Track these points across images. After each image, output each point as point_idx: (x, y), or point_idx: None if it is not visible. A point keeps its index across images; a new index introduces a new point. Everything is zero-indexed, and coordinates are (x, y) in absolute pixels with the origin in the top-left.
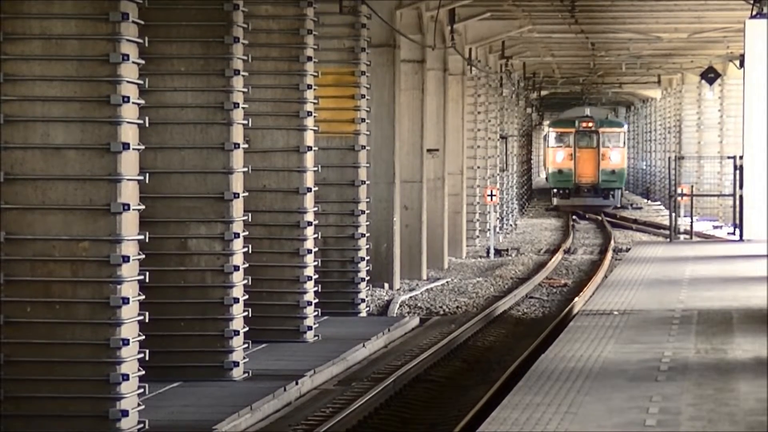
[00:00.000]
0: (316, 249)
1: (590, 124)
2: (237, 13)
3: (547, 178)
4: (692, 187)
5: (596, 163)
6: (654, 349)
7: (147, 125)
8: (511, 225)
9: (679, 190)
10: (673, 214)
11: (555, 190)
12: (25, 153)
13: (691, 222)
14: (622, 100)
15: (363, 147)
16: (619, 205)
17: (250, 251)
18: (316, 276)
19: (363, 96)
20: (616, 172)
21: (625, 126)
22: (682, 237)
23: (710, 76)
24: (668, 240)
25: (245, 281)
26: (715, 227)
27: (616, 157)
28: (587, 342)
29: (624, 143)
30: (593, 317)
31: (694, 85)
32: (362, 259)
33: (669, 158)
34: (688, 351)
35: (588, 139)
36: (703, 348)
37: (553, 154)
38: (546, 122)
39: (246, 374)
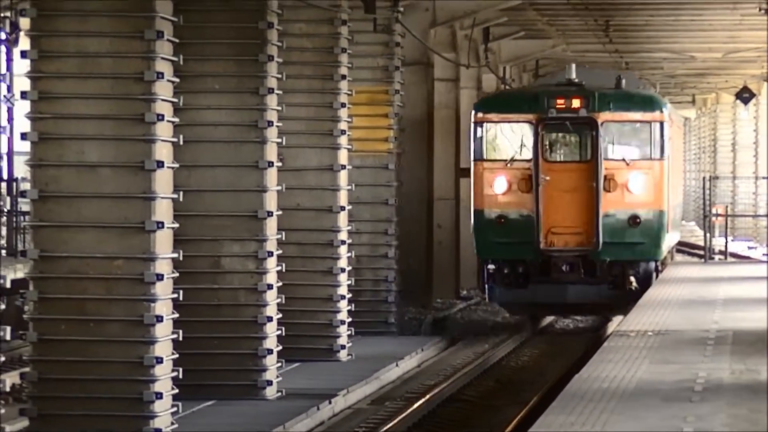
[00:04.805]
0: (350, 268)
1: (578, 104)
2: (271, 32)
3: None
4: (727, 207)
5: (590, 198)
6: (688, 369)
7: (181, 143)
8: None
9: (713, 211)
10: (708, 235)
11: (491, 267)
12: (60, 170)
13: (726, 242)
14: None
15: (396, 166)
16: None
17: (283, 270)
18: (350, 295)
19: (397, 114)
20: (643, 220)
21: (666, 109)
22: (716, 257)
23: (745, 95)
24: (703, 260)
25: (279, 300)
26: (750, 248)
27: (639, 183)
28: (621, 362)
29: (663, 148)
30: (627, 337)
31: (728, 104)
32: (395, 277)
33: (703, 178)
34: (723, 371)
35: (571, 140)
36: (738, 369)
37: (486, 179)
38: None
39: (279, 393)
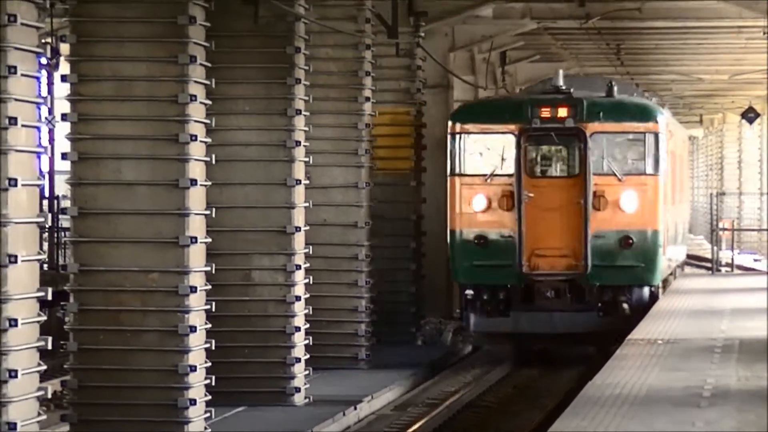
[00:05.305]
0: (373, 280)
1: (564, 113)
2: (299, 56)
3: (449, 257)
4: (733, 221)
5: (577, 216)
6: (697, 376)
7: (214, 162)
8: None
9: (720, 225)
10: (715, 248)
11: (470, 293)
12: (98, 189)
13: (732, 255)
14: None
15: (418, 183)
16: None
17: (311, 282)
18: (373, 306)
19: (418, 134)
20: (636, 241)
21: (663, 117)
22: (723, 270)
23: (750, 115)
24: (710, 272)
25: (306, 311)
26: (756, 260)
27: (632, 201)
28: (633, 369)
29: (659, 161)
30: (639, 346)
31: (734, 124)
32: (417, 289)
33: (711, 194)
34: (730, 378)
35: (557, 153)
36: (744, 375)
37: (463, 196)
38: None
39: (307, 399)
